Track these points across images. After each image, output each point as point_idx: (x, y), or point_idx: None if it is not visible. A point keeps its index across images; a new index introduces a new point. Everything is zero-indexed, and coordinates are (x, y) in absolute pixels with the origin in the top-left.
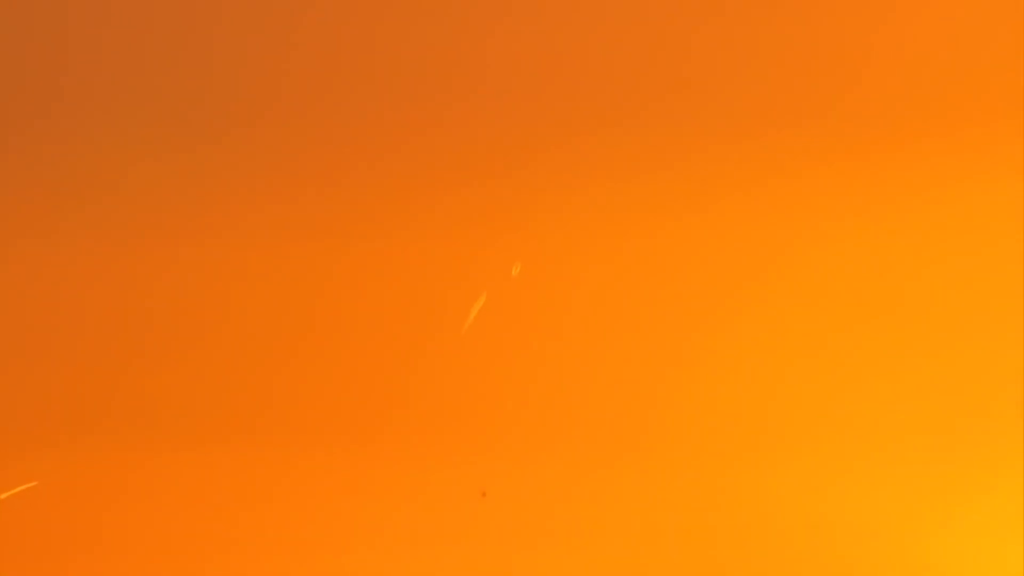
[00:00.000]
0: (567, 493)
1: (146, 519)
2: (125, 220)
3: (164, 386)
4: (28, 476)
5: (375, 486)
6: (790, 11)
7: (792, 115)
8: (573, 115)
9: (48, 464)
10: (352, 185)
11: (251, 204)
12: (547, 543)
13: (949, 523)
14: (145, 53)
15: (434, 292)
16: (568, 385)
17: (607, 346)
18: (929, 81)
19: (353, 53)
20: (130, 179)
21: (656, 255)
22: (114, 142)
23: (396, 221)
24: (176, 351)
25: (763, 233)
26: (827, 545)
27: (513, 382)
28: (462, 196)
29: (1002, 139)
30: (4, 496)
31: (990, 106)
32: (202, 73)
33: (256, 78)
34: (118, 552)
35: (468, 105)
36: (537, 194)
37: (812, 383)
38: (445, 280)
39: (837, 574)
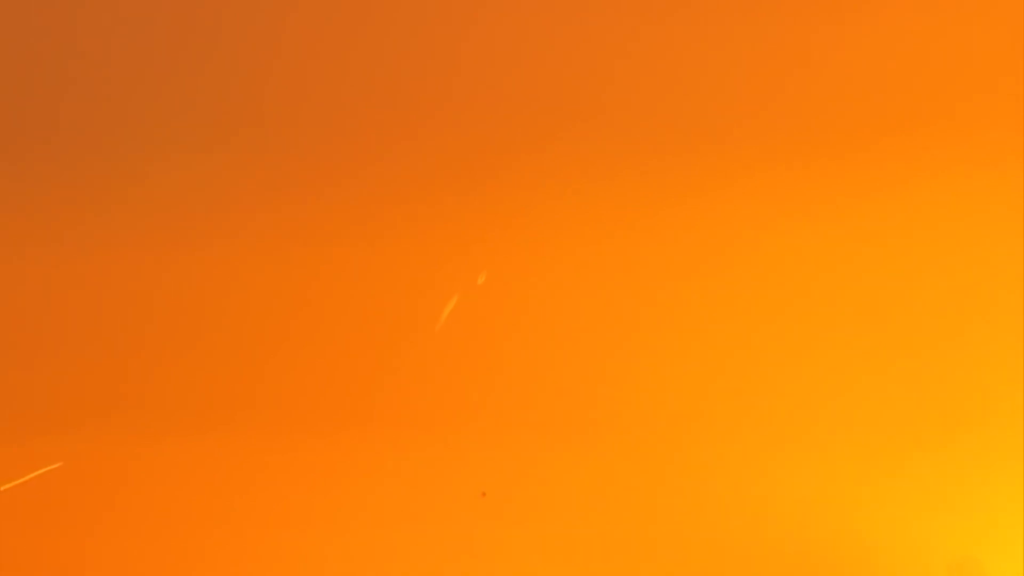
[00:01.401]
0: (561, 490)
1: (153, 499)
2: (137, 229)
3: (172, 378)
4: (53, 458)
5: (373, 479)
6: (773, 18)
7: (778, 114)
8: (537, 136)
9: (69, 448)
10: (340, 198)
11: (246, 214)
12: (542, 540)
13: (939, 517)
14: (151, 80)
15: (412, 295)
16: (555, 384)
17: (589, 347)
18: (922, 80)
19: (335, 80)
20: (136, 194)
21: (636, 256)
22: (129, 161)
23: (380, 231)
24: (180, 348)
25: (747, 234)
26: (825, 542)
27: (503, 380)
28: (438, 210)
29: (997, 137)
30: (33, 475)
31: (986, 105)
32: (205, 105)
33: (250, 104)
34: (130, 524)
35: (441, 129)
36: (506, 206)
37: (803, 382)
38: (422, 284)
39: (834, 570)
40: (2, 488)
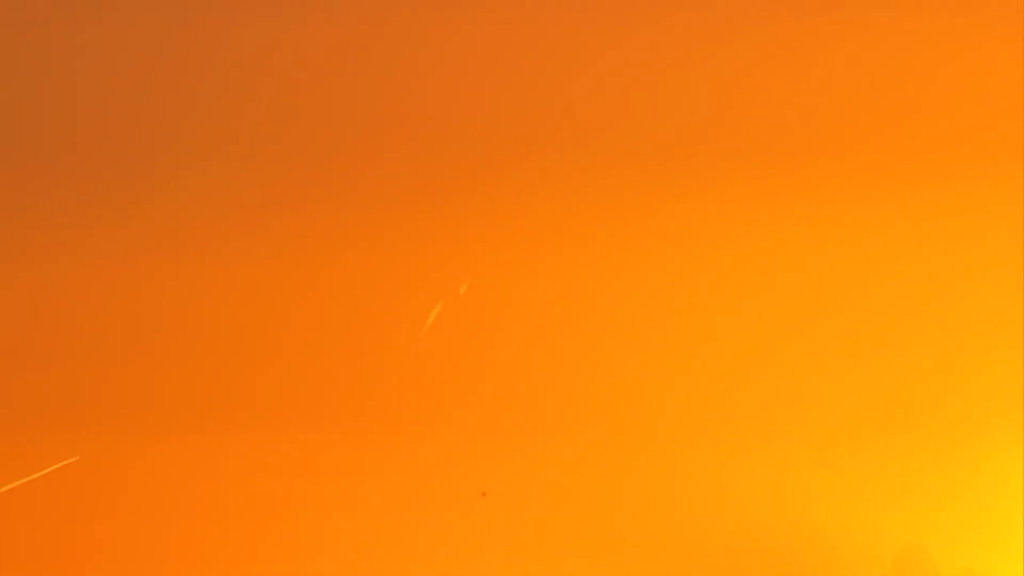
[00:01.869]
0: (545, 483)
1: (162, 491)
2: (147, 242)
3: (179, 379)
4: (71, 453)
5: (371, 474)
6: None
7: (761, 122)
8: (515, 155)
9: (86, 443)
10: (335, 213)
11: (247, 226)
12: (530, 531)
13: (889, 505)
14: (159, 103)
15: (401, 302)
16: (534, 382)
17: (567, 349)
18: (915, 83)
19: (331, 108)
20: (145, 209)
21: (616, 261)
22: (138, 179)
23: (371, 243)
24: (186, 352)
25: (717, 242)
26: (783, 528)
27: (481, 380)
28: (425, 224)
29: (984, 141)
30: (52, 468)
31: (976, 109)
32: (215, 130)
33: (255, 126)
34: (141, 512)
35: (428, 150)
36: (488, 221)
37: (767, 386)
38: (410, 292)
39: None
40: (25, 480)
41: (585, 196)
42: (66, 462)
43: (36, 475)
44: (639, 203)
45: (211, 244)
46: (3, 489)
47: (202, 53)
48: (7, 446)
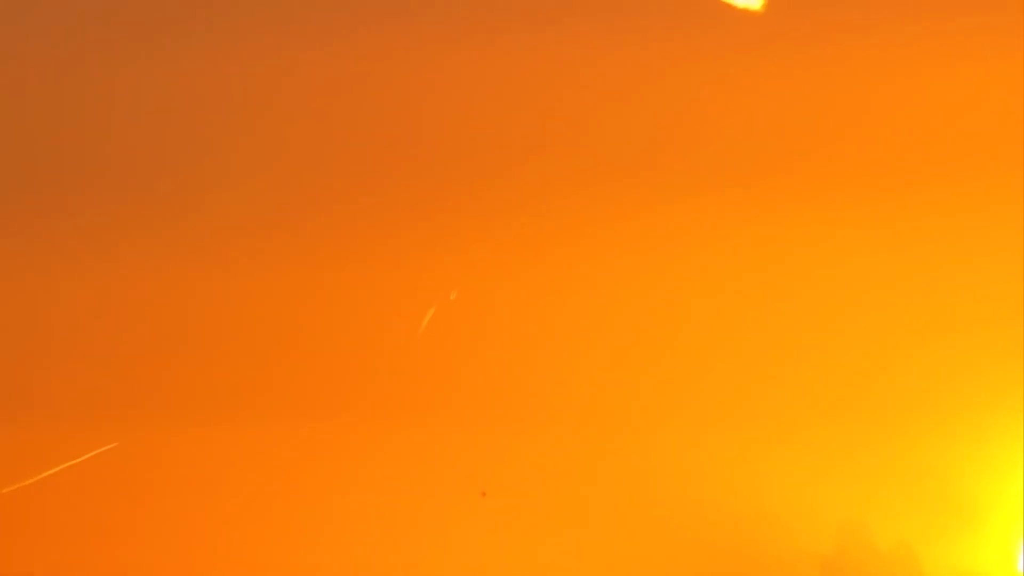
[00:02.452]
0: (535, 473)
1: (186, 474)
2: (177, 257)
3: (205, 377)
4: (108, 440)
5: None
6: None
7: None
8: (499, 174)
9: (121, 432)
10: (343, 229)
11: (263, 242)
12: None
13: (830, 486)
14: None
15: (398, 308)
16: (517, 377)
17: (551, 350)
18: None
19: (330, 132)
20: (176, 227)
21: (600, 267)
22: (169, 202)
23: (373, 256)
24: (211, 352)
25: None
26: (736, 506)
27: (469, 376)
28: (420, 239)
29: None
30: (92, 454)
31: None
32: (223, 156)
33: (272, 150)
34: (168, 493)
35: (422, 172)
36: (476, 235)
37: (722, 380)
38: (406, 298)
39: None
40: (69, 464)
41: (565, 209)
42: (104, 448)
43: (78, 460)
44: (615, 214)
45: (232, 256)
46: (49, 472)
47: (221, 85)
48: (52, 435)
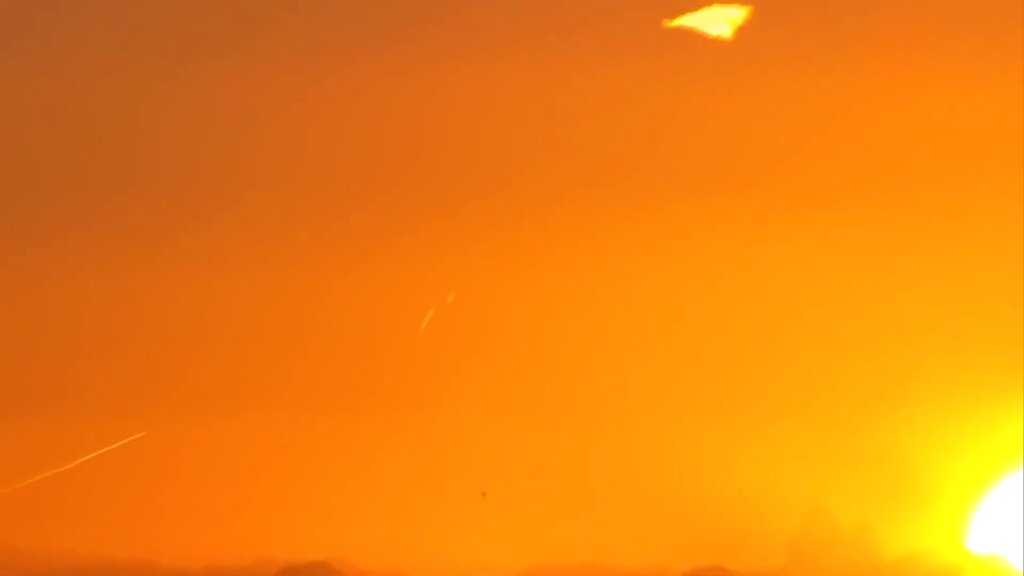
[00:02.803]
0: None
1: (211, 460)
2: (206, 265)
3: (229, 372)
4: (139, 429)
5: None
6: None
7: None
8: (493, 190)
9: (151, 422)
10: (355, 239)
11: (276, 247)
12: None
13: (797, 473)
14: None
15: (401, 310)
16: (510, 373)
17: (539, 348)
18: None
19: (338, 149)
20: (207, 239)
21: (586, 273)
22: (202, 215)
23: (378, 264)
24: (233, 351)
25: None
26: (711, 490)
27: (466, 371)
28: (421, 249)
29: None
30: (124, 442)
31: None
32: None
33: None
34: (196, 477)
35: (426, 187)
36: (471, 245)
37: (701, 373)
38: (408, 301)
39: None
40: (102, 450)
41: (553, 218)
42: (134, 437)
43: (111, 447)
44: (600, 221)
45: (250, 264)
46: (84, 459)
47: (244, 107)
48: (87, 425)
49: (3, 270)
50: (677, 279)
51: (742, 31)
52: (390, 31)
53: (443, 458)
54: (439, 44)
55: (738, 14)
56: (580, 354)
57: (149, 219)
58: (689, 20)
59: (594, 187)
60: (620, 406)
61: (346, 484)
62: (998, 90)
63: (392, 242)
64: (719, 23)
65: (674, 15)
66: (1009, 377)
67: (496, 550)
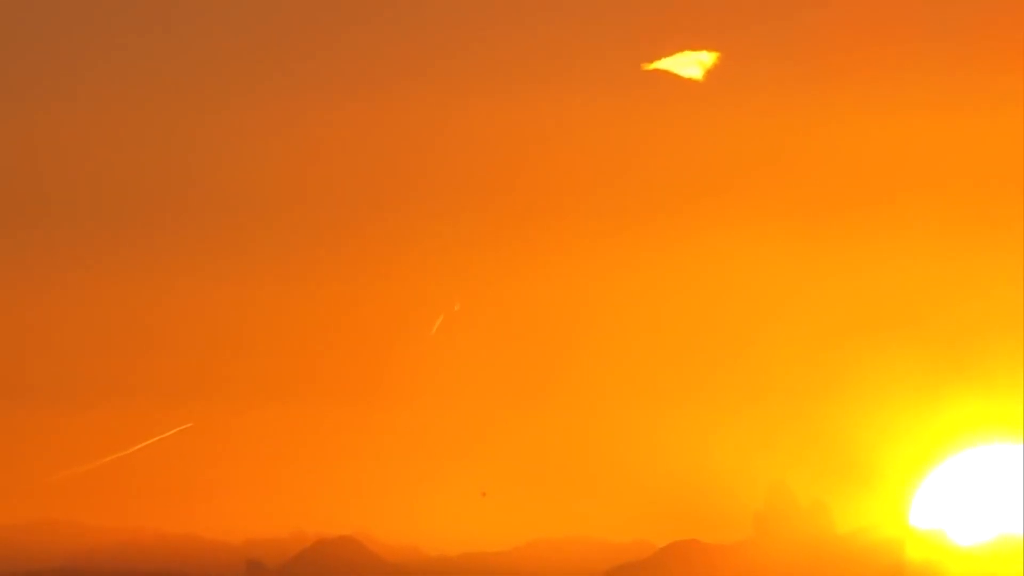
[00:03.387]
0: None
1: (247, 447)
2: (243, 275)
3: (264, 369)
4: (184, 421)
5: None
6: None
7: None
8: (498, 207)
9: (196, 413)
10: (372, 252)
11: (310, 260)
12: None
13: (755, 452)
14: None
15: (415, 315)
16: (513, 370)
17: (539, 350)
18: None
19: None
20: (248, 248)
21: (584, 279)
22: (248, 227)
23: (394, 274)
24: (273, 349)
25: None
26: (686, 469)
27: (475, 367)
28: (432, 261)
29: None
30: (171, 432)
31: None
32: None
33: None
34: (234, 463)
35: (437, 206)
36: (475, 260)
37: (690, 366)
38: (420, 308)
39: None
40: (150, 440)
41: (546, 232)
42: (181, 428)
43: (164, 435)
44: (588, 233)
45: (283, 274)
46: (136, 448)
47: (258, 130)
48: (137, 415)
49: (78, 287)
50: (657, 287)
51: (710, 73)
52: (413, 63)
53: (453, 445)
54: (457, 78)
55: (707, 58)
56: (573, 353)
57: (203, 241)
58: (665, 63)
59: (581, 201)
60: (606, 398)
61: (368, 467)
62: (956, 119)
63: (409, 254)
64: (691, 65)
65: (651, 59)
66: (947, 371)
67: (499, 526)
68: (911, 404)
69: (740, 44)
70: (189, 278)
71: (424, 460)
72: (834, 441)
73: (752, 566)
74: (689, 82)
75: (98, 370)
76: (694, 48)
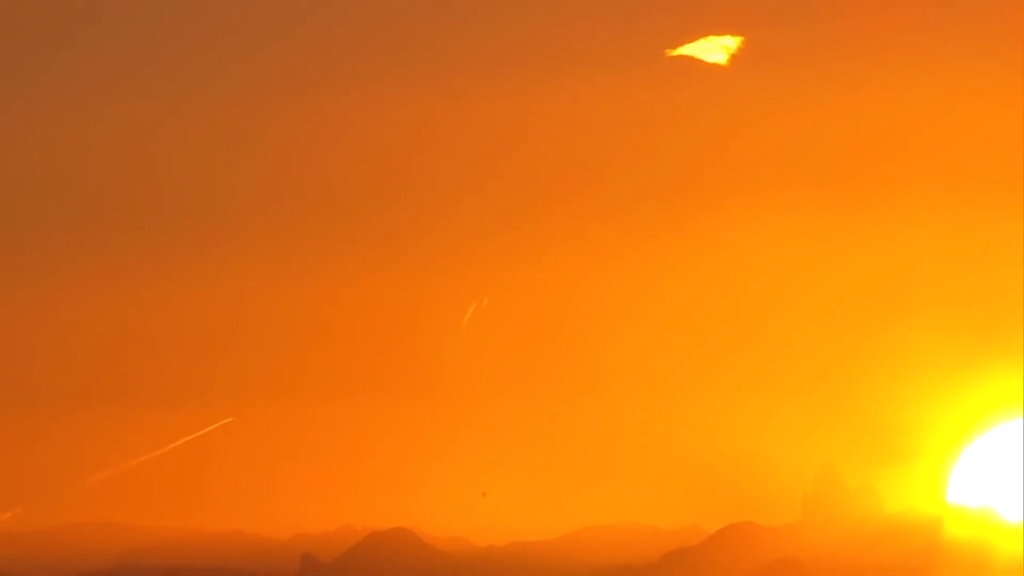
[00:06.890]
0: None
1: (281, 440)
2: (283, 275)
3: (303, 370)
4: (226, 415)
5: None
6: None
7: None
8: (525, 195)
9: (237, 409)
10: (381, 246)
11: (340, 263)
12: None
13: (809, 435)
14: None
15: (446, 309)
16: (538, 363)
17: (558, 346)
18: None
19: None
20: (276, 256)
21: (604, 277)
22: (272, 232)
23: (425, 275)
24: (311, 350)
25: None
26: (731, 454)
27: (502, 356)
28: (463, 261)
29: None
30: (213, 427)
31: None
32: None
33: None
34: (277, 458)
35: (461, 209)
36: (503, 260)
37: (712, 355)
38: (452, 303)
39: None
40: (194, 435)
41: (574, 231)
42: (223, 422)
43: (205, 430)
44: (613, 231)
45: (318, 274)
46: (180, 442)
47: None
48: (182, 411)
49: (117, 289)
50: (707, 274)
51: (734, 58)
52: (427, 55)
53: (501, 440)
54: (471, 67)
55: (731, 43)
56: (623, 341)
57: (244, 244)
58: (689, 49)
59: (615, 190)
60: (656, 386)
61: (414, 461)
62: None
63: (441, 261)
64: (715, 51)
65: (675, 45)
66: (987, 350)
67: (547, 513)
68: (956, 383)
69: (759, 34)
70: (232, 278)
71: (472, 454)
72: (880, 424)
73: (802, 547)
74: (713, 67)
75: (144, 370)
76: (718, 32)
